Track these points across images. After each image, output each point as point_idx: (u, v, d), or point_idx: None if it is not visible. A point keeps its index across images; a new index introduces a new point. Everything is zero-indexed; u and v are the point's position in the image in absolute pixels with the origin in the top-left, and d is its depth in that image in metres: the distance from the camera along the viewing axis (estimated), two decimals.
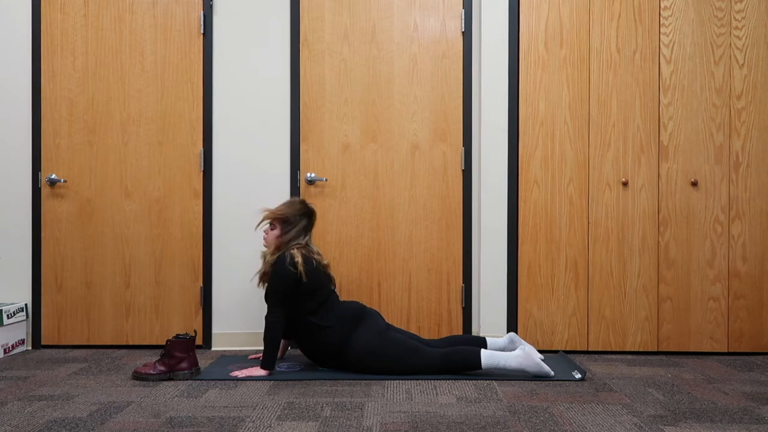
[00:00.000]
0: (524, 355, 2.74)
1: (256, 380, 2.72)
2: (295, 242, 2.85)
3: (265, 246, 2.94)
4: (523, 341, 2.95)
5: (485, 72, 3.35)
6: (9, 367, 2.99)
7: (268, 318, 2.75)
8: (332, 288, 2.92)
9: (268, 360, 2.75)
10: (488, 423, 2.16)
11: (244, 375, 2.74)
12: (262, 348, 3.33)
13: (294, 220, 2.87)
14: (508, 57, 3.34)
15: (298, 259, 2.75)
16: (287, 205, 2.93)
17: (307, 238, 2.90)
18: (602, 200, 3.30)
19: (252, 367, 2.86)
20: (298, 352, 3.27)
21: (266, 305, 2.81)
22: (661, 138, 3.29)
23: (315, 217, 2.95)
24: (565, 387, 2.62)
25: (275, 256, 2.82)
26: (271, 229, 2.90)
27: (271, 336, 2.74)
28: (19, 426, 2.13)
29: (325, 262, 2.90)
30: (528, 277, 3.32)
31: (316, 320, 2.78)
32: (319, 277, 2.81)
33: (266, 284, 2.84)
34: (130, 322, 3.38)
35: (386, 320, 2.99)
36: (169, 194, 3.40)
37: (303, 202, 2.94)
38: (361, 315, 2.84)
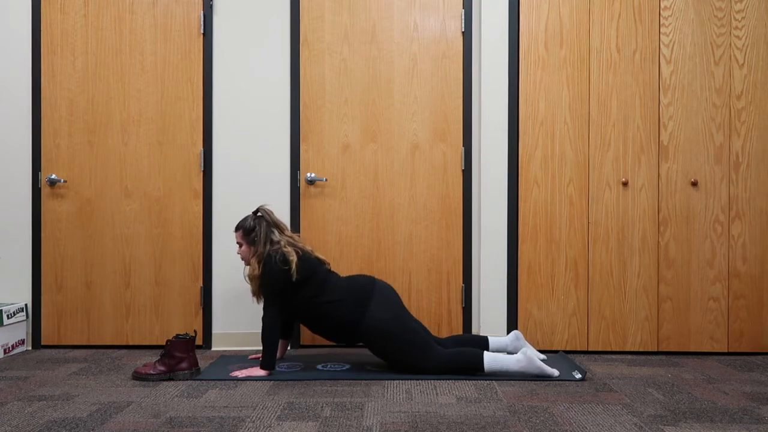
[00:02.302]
0: (526, 359, 2.74)
1: (256, 380, 2.72)
2: (274, 242, 2.82)
3: (246, 264, 2.94)
4: (526, 342, 2.96)
5: (485, 72, 3.35)
6: (9, 367, 2.99)
7: (264, 319, 2.76)
8: (327, 267, 2.90)
9: (267, 360, 2.75)
10: (488, 423, 2.16)
11: (244, 375, 2.75)
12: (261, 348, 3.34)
13: (250, 225, 2.86)
14: (508, 57, 3.34)
15: (293, 257, 2.74)
16: (240, 221, 2.93)
17: (278, 231, 2.86)
18: (602, 200, 3.30)
19: (252, 367, 2.86)
20: (298, 352, 3.27)
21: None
22: (661, 138, 3.29)
23: (268, 213, 2.91)
24: (565, 387, 2.62)
25: (261, 264, 2.81)
26: (241, 247, 2.91)
27: (268, 336, 2.75)
28: (19, 426, 2.13)
29: (307, 247, 2.89)
30: (528, 277, 3.32)
31: (324, 299, 2.77)
32: (310, 265, 2.81)
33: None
34: (130, 322, 3.38)
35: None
36: (169, 194, 3.39)
37: (254, 210, 2.94)
38: (371, 287, 2.82)
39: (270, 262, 2.76)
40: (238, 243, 2.92)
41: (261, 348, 2.76)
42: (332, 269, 2.97)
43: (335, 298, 2.78)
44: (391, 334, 2.74)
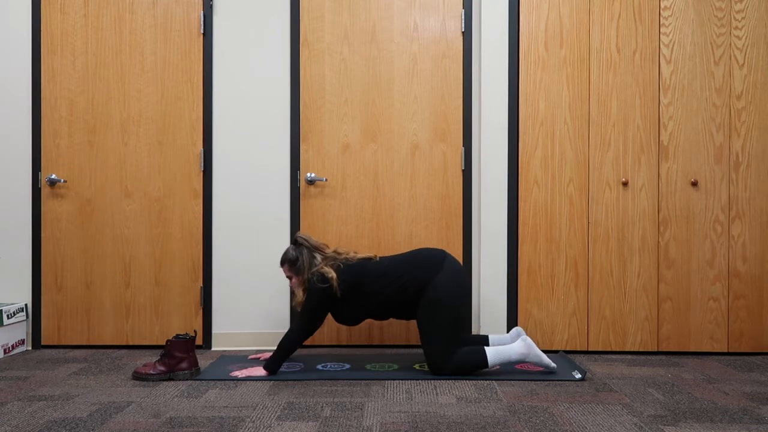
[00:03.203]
0: (526, 346, 2.78)
1: (256, 380, 2.72)
2: (315, 265, 2.82)
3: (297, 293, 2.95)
4: (526, 336, 2.97)
5: (485, 72, 3.35)
6: (9, 367, 2.99)
7: (294, 326, 2.78)
8: (375, 261, 2.88)
9: (273, 363, 2.75)
10: (488, 423, 2.16)
11: (244, 375, 2.75)
12: (261, 348, 3.34)
13: (293, 256, 2.87)
14: (508, 57, 3.34)
15: (332, 274, 2.74)
16: (282, 255, 2.93)
17: (319, 254, 2.86)
18: (602, 200, 3.30)
19: (253, 366, 2.86)
20: (298, 352, 3.27)
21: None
22: (661, 138, 3.29)
23: (306, 238, 2.90)
24: (565, 387, 2.62)
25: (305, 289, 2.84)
26: (291, 280, 2.91)
27: (286, 344, 2.75)
28: (19, 426, 2.13)
29: (351, 254, 2.89)
30: (528, 277, 3.31)
31: (387, 284, 2.78)
32: (356, 270, 2.79)
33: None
34: (130, 322, 3.38)
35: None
36: (169, 194, 3.39)
37: (292, 240, 2.94)
38: (442, 259, 2.83)
39: (311, 285, 2.78)
40: (287, 277, 2.91)
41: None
42: (376, 256, 2.94)
43: (398, 275, 2.79)
44: (445, 307, 2.74)
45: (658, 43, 3.29)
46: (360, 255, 2.90)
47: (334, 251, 2.89)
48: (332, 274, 2.74)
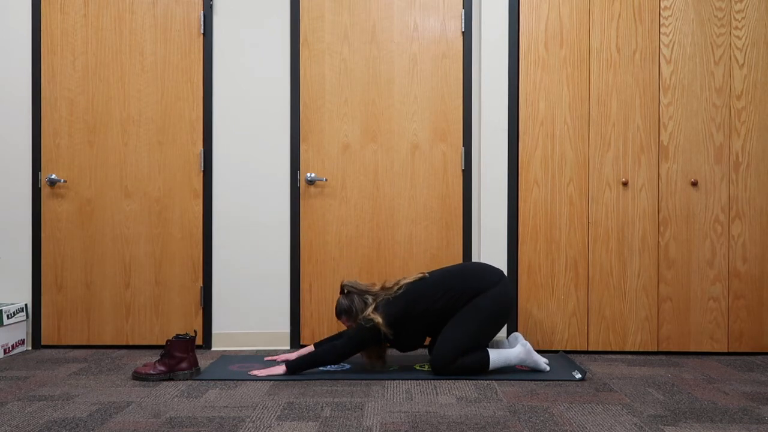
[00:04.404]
0: (525, 351, 2.82)
1: (256, 380, 2.71)
2: (366, 308, 2.81)
3: None
4: (525, 341, 2.98)
5: (485, 72, 3.35)
6: (9, 367, 2.99)
7: (335, 342, 2.80)
8: (426, 280, 2.86)
9: (299, 366, 2.75)
10: (488, 423, 2.16)
11: (264, 374, 2.74)
12: (265, 349, 3.34)
13: (346, 305, 2.85)
14: (508, 57, 3.34)
15: (378, 320, 2.73)
16: (336, 307, 2.92)
17: (370, 296, 2.84)
18: (602, 200, 3.30)
19: (273, 366, 2.84)
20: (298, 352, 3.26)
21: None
22: (661, 138, 3.29)
23: (352, 285, 2.89)
24: (565, 387, 2.62)
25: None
26: (346, 324, 2.90)
27: (323, 354, 2.77)
28: (19, 426, 2.13)
29: (401, 282, 2.86)
30: (528, 277, 3.31)
31: (440, 298, 2.79)
32: (407, 298, 2.79)
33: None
34: (130, 322, 3.38)
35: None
36: (169, 194, 3.39)
37: (340, 290, 2.92)
38: (500, 276, 2.88)
39: (360, 325, 2.77)
40: (347, 326, 2.90)
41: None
42: (425, 273, 2.92)
43: (449, 287, 2.81)
44: (487, 318, 2.78)
45: (658, 43, 3.29)
46: (410, 278, 2.88)
47: (382, 287, 2.88)
48: (379, 320, 2.73)
